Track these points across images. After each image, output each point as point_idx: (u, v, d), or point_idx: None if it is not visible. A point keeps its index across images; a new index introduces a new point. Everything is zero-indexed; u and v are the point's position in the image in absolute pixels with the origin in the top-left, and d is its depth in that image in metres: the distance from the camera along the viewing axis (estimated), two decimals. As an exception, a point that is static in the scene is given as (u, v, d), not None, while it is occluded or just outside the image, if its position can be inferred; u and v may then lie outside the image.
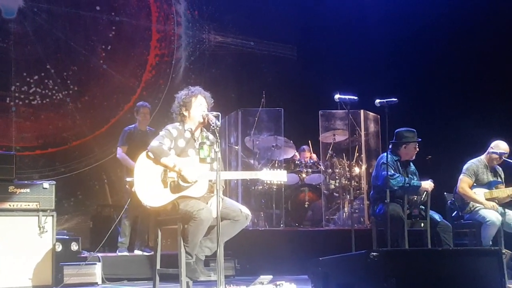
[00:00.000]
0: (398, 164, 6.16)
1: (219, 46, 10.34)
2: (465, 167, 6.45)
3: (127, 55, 9.31)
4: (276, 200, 8.42)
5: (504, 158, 6.38)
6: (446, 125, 8.79)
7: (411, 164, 6.28)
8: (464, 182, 6.34)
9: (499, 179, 6.44)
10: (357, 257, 3.34)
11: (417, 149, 6.19)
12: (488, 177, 6.41)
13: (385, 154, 6.04)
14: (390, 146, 6.11)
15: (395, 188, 5.91)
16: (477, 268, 3.39)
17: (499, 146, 6.44)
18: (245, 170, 8.41)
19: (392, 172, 5.95)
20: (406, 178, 6.01)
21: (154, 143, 4.60)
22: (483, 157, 6.48)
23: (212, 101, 4.86)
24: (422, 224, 5.96)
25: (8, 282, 5.34)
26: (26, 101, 8.39)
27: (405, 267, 3.21)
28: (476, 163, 6.44)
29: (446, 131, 8.64)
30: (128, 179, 4.63)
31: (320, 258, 3.61)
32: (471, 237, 6.32)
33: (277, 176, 4.67)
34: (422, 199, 6.00)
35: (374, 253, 3.11)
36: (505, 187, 6.35)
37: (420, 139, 6.18)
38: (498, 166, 6.51)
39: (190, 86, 4.90)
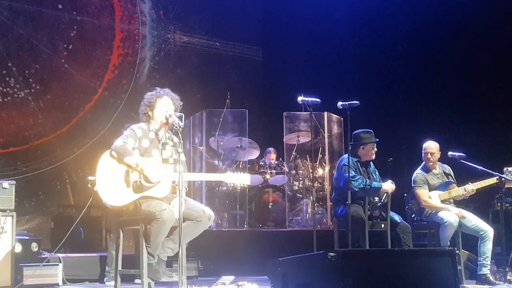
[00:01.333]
0: (358, 165, 6.25)
1: (184, 46, 10.32)
2: (413, 180, 6.51)
3: (88, 54, 9.20)
4: (240, 201, 8.44)
5: (429, 156, 6.51)
6: (407, 127, 8.94)
7: (371, 163, 6.38)
8: (422, 195, 6.39)
9: (451, 179, 6.57)
10: (315, 257, 3.39)
11: (375, 149, 6.28)
12: (437, 180, 6.53)
13: (345, 156, 6.12)
14: (350, 148, 6.21)
15: (356, 189, 6.01)
16: (433, 268, 3.47)
17: (424, 146, 6.60)
18: (209, 171, 8.41)
19: (353, 173, 6.03)
20: (367, 180, 6.10)
21: (118, 142, 4.58)
22: (423, 163, 6.62)
23: (181, 103, 4.86)
24: (383, 225, 6.05)
25: (-34, 283, 5.25)
26: (-13, 99, 8.24)
27: (363, 267, 3.26)
28: (420, 171, 6.54)
29: (407, 133, 8.79)
30: (90, 178, 4.59)
31: (280, 259, 3.65)
32: (430, 237, 6.43)
33: (240, 179, 4.69)
34: (383, 200, 6.09)
35: (332, 253, 3.16)
36: (457, 185, 6.48)
37: (377, 139, 6.27)
38: (446, 166, 6.64)
39: (158, 88, 4.89)
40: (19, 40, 8.56)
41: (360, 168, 6.23)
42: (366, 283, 3.21)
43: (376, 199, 6.07)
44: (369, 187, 6.03)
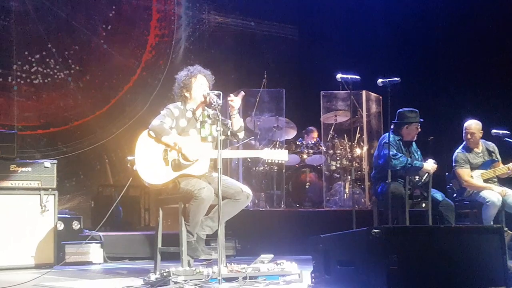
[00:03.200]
0: (401, 143, 6.14)
1: (219, 26, 10.29)
2: (454, 159, 6.41)
3: (127, 35, 9.27)
4: (277, 181, 8.43)
5: (469, 136, 6.37)
6: (448, 106, 8.74)
7: (414, 143, 6.27)
8: (463, 175, 6.30)
9: (495, 157, 6.42)
10: (359, 234, 3.34)
11: (419, 129, 6.17)
12: (480, 159, 6.39)
13: (387, 134, 6.03)
14: (392, 126, 6.10)
15: (397, 168, 5.91)
16: (479, 245, 3.39)
17: (465, 125, 6.44)
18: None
19: (395, 151, 5.94)
20: (409, 159, 6.00)
21: (155, 122, 4.59)
22: (464, 142, 6.48)
23: (213, 78, 4.85)
24: (424, 204, 5.96)
25: (11, 261, 5.39)
26: (27, 80, 8.36)
27: (407, 244, 3.21)
28: (461, 151, 6.43)
29: (449, 112, 8.60)
30: (129, 157, 4.62)
31: (321, 236, 3.62)
32: (472, 217, 6.33)
33: (278, 155, 4.66)
34: (424, 180, 5.99)
35: (376, 230, 3.12)
36: (502, 163, 6.34)
37: (422, 120, 6.16)
38: (490, 144, 6.50)
39: (189, 67, 4.87)
40: (58, 21, 8.66)
41: (402, 147, 6.12)
42: (410, 260, 3.15)
43: (417, 178, 5.97)
44: (410, 165, 5.93)
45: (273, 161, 4.68)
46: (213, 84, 4.84)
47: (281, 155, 4.66)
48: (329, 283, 3.59)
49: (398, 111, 6.19)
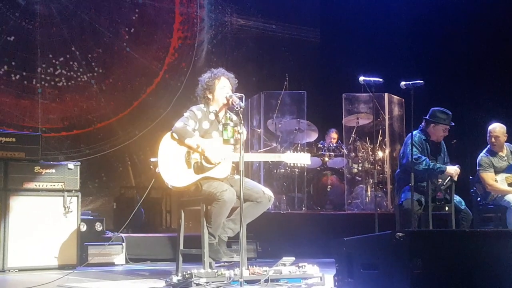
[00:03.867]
0: (427, 144, 6.04)
1: (241, 29, 10.32)
2: (478, 163, 6.33)
3: (150, 38, 9.33)
4: (298, 184, 8.42)
5: (493, 140, 6.28)
6: (472, 108, 8.64)
7: (442, 143, 6.16)
8: (487, 179, 6.22)
9: None
10: (383, 237, 3.31)
11: (446, 132, 6.06)
12: (504, 162, 6.31)
13: (415, 132, 5.95)
14: (423, 123, 6.03)
15: (420, 170, 5.83)
16: (504, 250, 3.34)
17: (489, 129, 6.36)
18: (267, 153, 8.40)
19: (418, 154, 5.87)
20: (431, 162, 5.90)
21: (178, 124, 4.61)
22: (488, 146, 6.40)
23: (236, 81, 4.86)
24: (447, 208, 5.89)
25: (35, 261, 5.43)
26: (51, 83, 8.46)
27: (431, 248, 3.17)
28: (485, 154, 6.36)
29: (473, 115, 8.50)
30: (152, 159, 4.65)
31: (345, 239, 3.60)
32: (497, 221, 6.24)
33: (300, 159, 4.65)
34: (446, 183, 5.92)
35: (400, 234, 3.09)
36: None
37: (452, 124, 6.04)
38: None
39: (213, 69, 4.90)
40: (82, 25, 8.76)
41: (428, 147, 6.03)
42: (435, 264, 3.12)
43: (439, 180, 5.90)
44: (432, 169, 5.85)
45: (295, 164, 4.67)
46: (237, 84, 4.85)
47: (303, 159, 4.64)
48: (353, 287, 3.57)
49: (432, 108, 6.09)
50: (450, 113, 6.04)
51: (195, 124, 4.67)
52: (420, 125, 6.01)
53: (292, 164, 4.71)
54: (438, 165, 5.92)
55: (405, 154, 5.99)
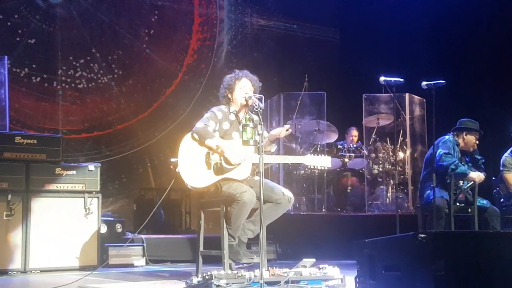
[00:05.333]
0: (457, 148, 6.02)
1: (261, 29, 10.30)
2: (502, 163, 6.28)
3: (169, 39, 9.36)
4: (318, 185, 8.37)
5: None
6: (495, 108, 8.52)
7: (477, 152, 6.13)
8: (511, 179, 6.16)
9: None
10: (405, 238, 3.27)
11: (477, 142, 6.02)
12: None
13: (446, 136, 5.95)
14: (451, 133, 5.99)
15: (444, 165, 5.76)
16: (528, 251, 3.29)
17: None
18: (287, 154, 8.35)
19: (447, 151, 5.82)
20: (457, 160, 5.83)
21: (199, 124, 4.60)
22: None
23: (260, 84, 4.83)
24: (469, 210, 5.81)
25: (56, 262, 5.47)
26: (72, 85, 8.53)
27: (454, 249, 3.13)
28: (509, 155, 6.31)
29: (495, 115, 8.38)
30: (172, 159, 4.64)
31: (366, 240, 3.56)
32: (520, 223, 6.15)
33: (321, 162, 4.63)
34: (468, 186, 5.84)
35: (422, 235, 3.05)
36: None
37: (481, 131, 6.05)
38: None
39: (236, 70, 4.88)
40: (102, 27, 8.82)
41: (459, 153, 5.99)
42: (458, 266, 3.07)
43: (462, 182, 5.82)
44: (454, 169, 5.77)
45: (315, 166, 4.64)
46: (260, 87, 4.82)
47: (324, 162, 4.62)
48: (374, 288, 3.53)
49: (460, 120, 6.10)
50: (477, 122, 6.09)
51: (216, 124, 4.66)
52: (449, 133, 5.97)
53: (312, 166, 4.67)
54: (463, 168, 5.83)
55: (436, 154, 5.93)
